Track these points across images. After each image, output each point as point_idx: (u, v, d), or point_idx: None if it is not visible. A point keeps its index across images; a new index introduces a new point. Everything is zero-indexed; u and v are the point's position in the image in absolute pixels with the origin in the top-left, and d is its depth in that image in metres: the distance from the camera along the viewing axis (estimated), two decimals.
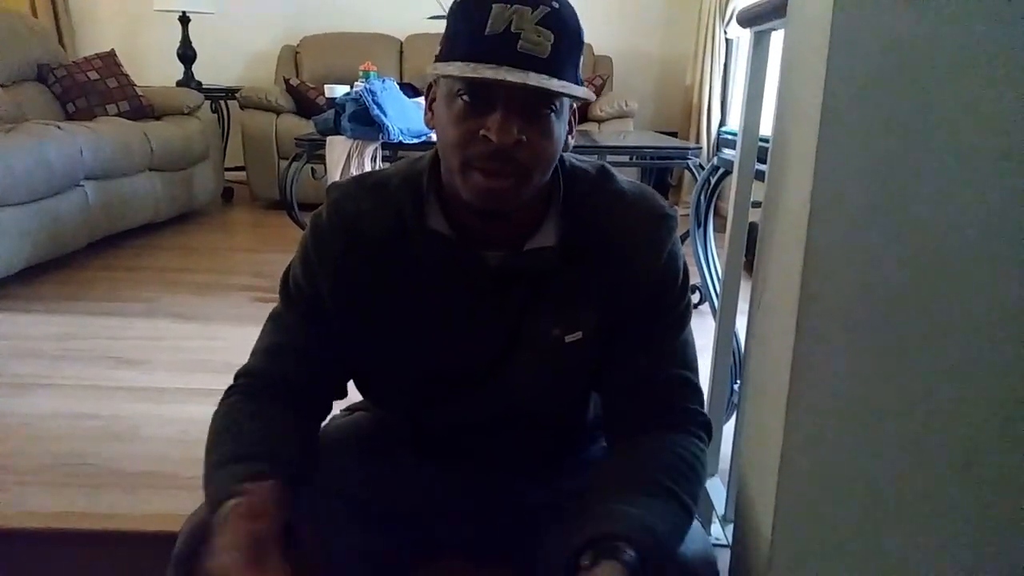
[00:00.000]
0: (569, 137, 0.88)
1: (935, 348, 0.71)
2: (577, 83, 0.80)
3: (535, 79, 0.75)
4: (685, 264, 0.93)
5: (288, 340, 0.90)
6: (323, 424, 0.96)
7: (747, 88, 1.15)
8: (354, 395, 1.01)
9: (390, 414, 1.04)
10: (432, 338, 0.90)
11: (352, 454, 0.99)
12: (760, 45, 1.13)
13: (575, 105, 0.88)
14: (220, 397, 0.90)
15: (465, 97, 0.79)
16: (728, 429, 1.38)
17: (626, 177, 0.94)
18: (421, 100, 2.99)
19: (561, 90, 0.76)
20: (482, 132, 0.78)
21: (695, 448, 0.86)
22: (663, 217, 0.90)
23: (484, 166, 0.79)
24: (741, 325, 1.27)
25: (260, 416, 0.86)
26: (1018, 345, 0.71)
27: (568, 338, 0.89)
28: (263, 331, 0.93)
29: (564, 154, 0.92)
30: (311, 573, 0.85)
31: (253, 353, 0.92)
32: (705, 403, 0.94)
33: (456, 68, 0.77)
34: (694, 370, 0.92)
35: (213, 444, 0.85)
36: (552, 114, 0.80)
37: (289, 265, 0.94)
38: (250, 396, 0.89)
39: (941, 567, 0.77)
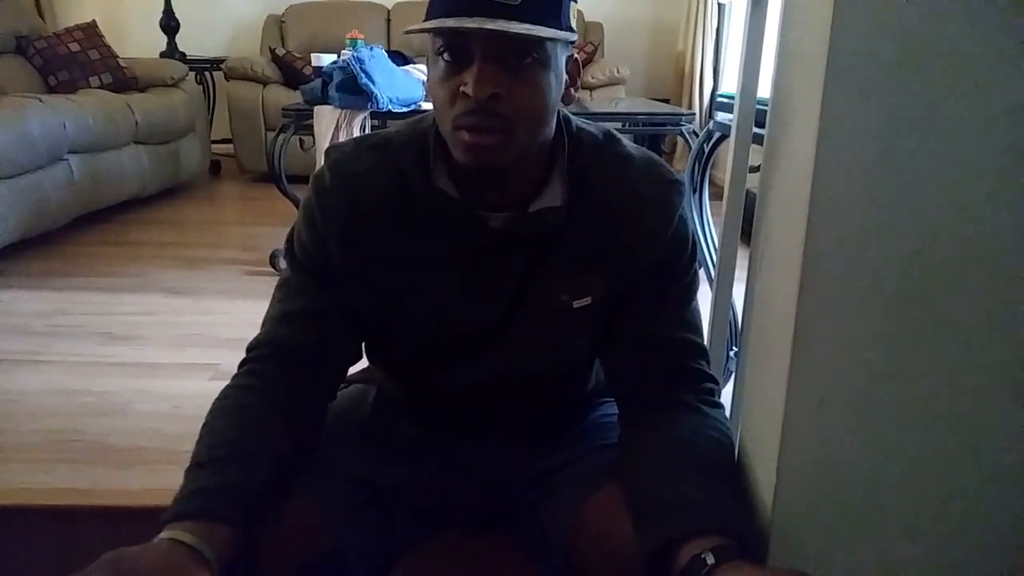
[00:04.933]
0: (572, 91, 0.86)
1: (943, 311, 0.70)
2: (564, 28, 0.78)
3: (497, 24, 0.73)
4: (693, 231, 0.92)
5: (299, 305, 0.89)
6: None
7: (745, 49, 1.12)
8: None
9: (395, 381, 1.03)
10: (437, 299, 0.89)
11: (354, 431, 0.98)
12: (759, 4, 1.10)
13: (576, 55, 0.86)
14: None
15: (445, 56, 0.78)
16: (725, 396, 1.38)
17: (632, 143, 0.93)
18: (410, 68, 2.97)
19: (523, 32, 0.73)
20: (461, 88, 0.76)
21: (727, 425, 0.88)
22: (673, 182, 0.90)
23: (469, 123, 0.77)
24: (737, 293, 1.26)
25: (249, 411, 0.84)
26: None
27: (577, 303, 0.88)
28: (273, 300, 0.92)
29: (572, 117, 0.91)
30: (318, 551, 0.84)
31: (264, 323, 0.91)
32: None
33: (422, 24, 0.77)
34: (701, 334, 0.92)
35: (199, 435, 0.83)
36: (536, 64, 0.77)
37: (292, 231, 0.92)
38: (253, 380, 0.86)
39: (947, 529, 0.76)
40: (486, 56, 0.76)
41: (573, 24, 0.81)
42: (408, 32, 0.80)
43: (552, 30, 0.76)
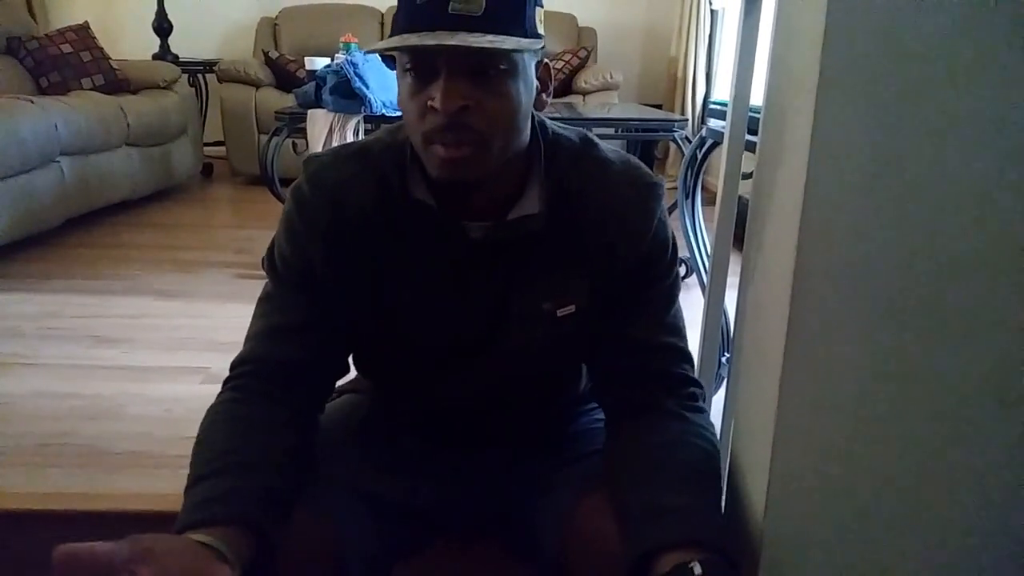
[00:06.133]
0: (544, 96, 0.86)
1: (935, 315, 0.71)
2: (530, 36, 0.78)
3: (460, 38, 0.72)
4: (673, 233, 0.92)
5: (283, 320, 0.87)
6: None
7: (738, 56, 1.13)
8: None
9: (385, 392, 1.02)
10: (420, 310, 0.88)
11: (349, 441, 0.97)
12: (752, 11, 1.11)
13: (547, 61, 0.86)
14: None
15: (412, 71, 0.78)
16: (717, 401, 1.39)
17: (610, 146, 0.93)
18: None
19: (489, 45, 0.73)
20: (429, 103, 0.76)
21: (711, 431, 0.88)
22: (651, 185, 0.89)
23: (441, 138, 0.77)
24: (730, 299, 1.26)
25: (243, 422, 0.83)
26: (1019, 311, 0.70)
27: (560, 312, 0.88)
28: (255, 315, 0.90)
29: (548, 122, 0.91)
30: (328, 565, 0.84)
31: (247, 339, 0.89)
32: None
33: (384, 43, 0.76)
34: (684, 338, 0.92)
35: (194, 452, 0.82)
36: (503, 74, 0.77)
37: (271, 244, 0.91)
38: (242, 394, 0.85)
39: (941, 534, 0.77)
40: (452, 70, 0.75)
41: (540, 29, 0.81)
42: (370, 52, 0.80)
43: (516, 39, 0.76)
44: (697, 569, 0.70)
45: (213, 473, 0.77)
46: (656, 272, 0.90)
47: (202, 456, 0.80)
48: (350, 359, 0.97)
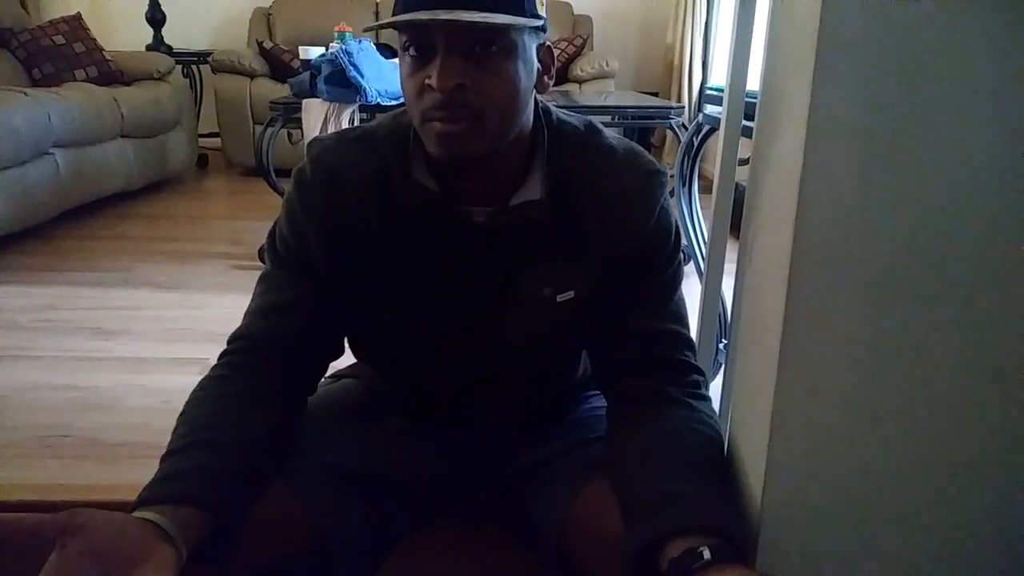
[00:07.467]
0: (546, 79, 0.86)
1: (932, 303, 0.71)
2: (527, 16, 0.78)
3: (452, 14, 0.73)
4: (676, 221, 0.92)
5: (279, 299, 0.88)
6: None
7: (734, 41, 1.12)
8: (341, 360, 1.00)
9: (382, 377, 1.03)
10: (419, 294, 0.88)
11: (342, 423, 0.97)
12: None
13: (549, 43, 0.86)
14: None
15: (411, 51, 0.78)
16: (715, 388, 1.39)
17: (613, 133, 0.93)
18: (398, 61, 2.96)
19: (479, 20, 0.73)
20: (426, 81, 0.77)
21: (714, 418, 0.88)
22: (654, 173, 0.89)
23: (437, 115, 0.77)
24: (727, 285, 1.26)
25: (224, 399, 0.83)
26: (1018, 294, 0.70)
27: (560, 298, 0.88)
28: (254, 293, 0.91)
29: (553, 109, 0.91)
30: (300, 543, 0.84)
31: (245, 315, 0.90)
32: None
33: (379, 21, 0.77)
34: (686, 325, 0.92)
35: (174, 427, 0.82)
36: (500, 53, 0.77)
37: (274, 224, 0.92)
38: (231, 371, 0.86)
39: (937, 521, 0.77)
40: (449, 48, 0.76)
41: (540, 11, 0.81)
42: (367, 29, 0.81)
43: (510, 17, 0.76)
44: (706, 554, 0.70)
45: (181, 449, 0.78)
46: (658, 259, 0.90)
47: (177, 431, 0.81)
48: (346, 345, 0.97)
